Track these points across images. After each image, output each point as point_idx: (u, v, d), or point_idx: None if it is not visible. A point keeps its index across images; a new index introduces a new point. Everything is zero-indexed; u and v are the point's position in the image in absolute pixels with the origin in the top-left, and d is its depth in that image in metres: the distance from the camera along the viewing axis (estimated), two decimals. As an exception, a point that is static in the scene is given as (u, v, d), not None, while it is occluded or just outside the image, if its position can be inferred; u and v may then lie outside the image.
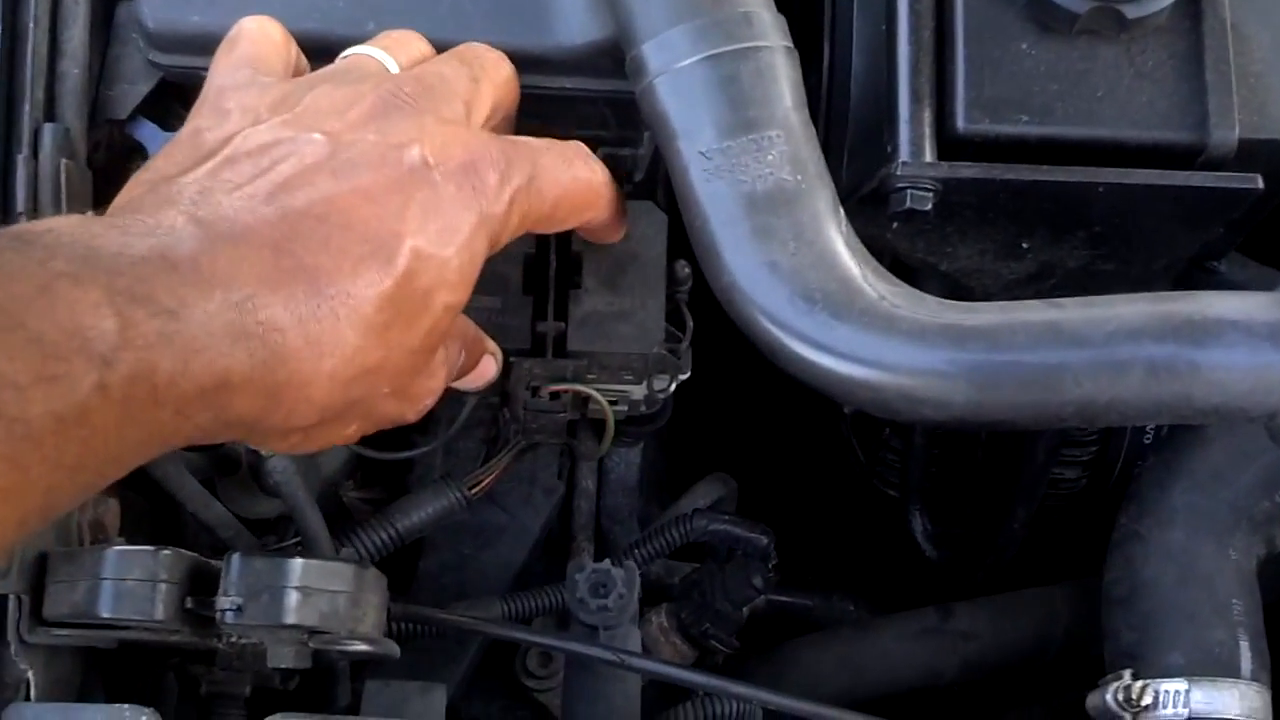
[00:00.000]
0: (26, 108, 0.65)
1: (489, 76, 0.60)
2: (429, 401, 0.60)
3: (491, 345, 0.67)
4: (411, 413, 0.60)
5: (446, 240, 0.53)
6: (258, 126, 0.54)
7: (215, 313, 0.47)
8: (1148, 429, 0.86)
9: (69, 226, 0.47)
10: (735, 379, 0.90)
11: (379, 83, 0.56)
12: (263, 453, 0.70)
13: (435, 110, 0.56)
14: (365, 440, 0.62)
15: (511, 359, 0.71)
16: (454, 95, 0.57)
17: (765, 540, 0.86)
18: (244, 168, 0.52)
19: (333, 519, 0.73)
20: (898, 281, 0.59)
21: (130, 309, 0.45)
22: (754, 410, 1.08)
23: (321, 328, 0.50)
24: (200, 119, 0.56)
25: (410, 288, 0.52)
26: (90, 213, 0.57)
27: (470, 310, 0.61)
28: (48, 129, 0.64)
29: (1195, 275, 0.75)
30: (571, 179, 0.60)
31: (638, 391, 0.74)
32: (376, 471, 0.84)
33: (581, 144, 0.61)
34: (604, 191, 0.62)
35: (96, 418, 0.44)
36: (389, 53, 0.60)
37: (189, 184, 0.51)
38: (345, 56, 0.60)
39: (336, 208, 0.51)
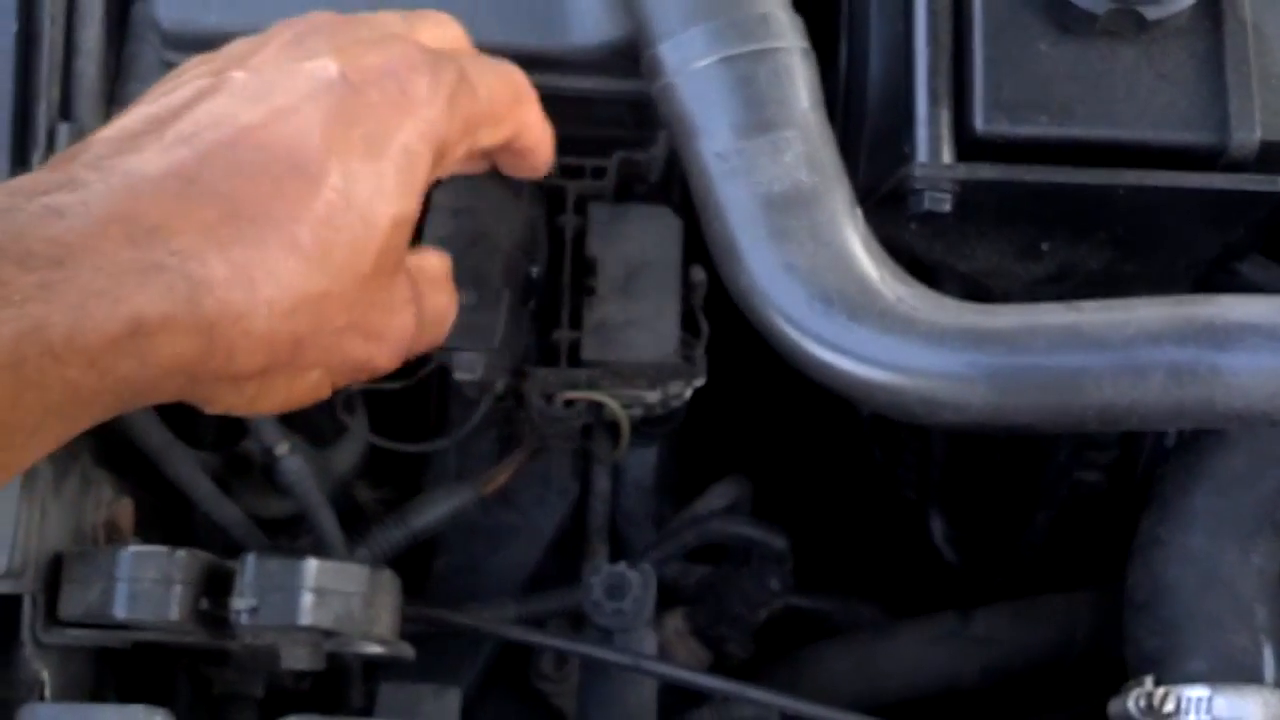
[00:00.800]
0: (42, 107, 0.65)
1: (427, 26, 0.56)
2: (401, 344, 0.55)
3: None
4: (382, 356, 0.54)
5: (377, 150, 0.50)
6: (179, 83, 0.51)
7: (114, 252, 0.44)
8: (1169, 431, 0.85)
9: None
10: (751, 380, 0.90)
11: (297, 22, 0.54)
12: (275, 452, 0.70)
13: (354, 34, 0.53)
14: (379, 434, 0.60)
15: (526, 367, 0.71)
16: (378, 25, 0.54)
17: (782, 543, 0.85)
18: (157, 117, 0.49)
19: (345, 518, 0.73)
20: (916, 283, 0.59)
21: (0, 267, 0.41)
22: (771, 411, 1.07)
23: (249, 254, 0.46)
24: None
25: (344, 204, 0.49)
26: None
27: None
28: (63, 128, 0.64)
29: (1216, 277, 0.74)
30: (497, 71, 0.57)
31: (652, 395, 0.74)
32: (389, 470, 0.84)
33: None
34: (527, 85, 0.58)
35: None
36: None
37: (97, 141, 0.49)
38: None
39: (247, 130, 0.48)
